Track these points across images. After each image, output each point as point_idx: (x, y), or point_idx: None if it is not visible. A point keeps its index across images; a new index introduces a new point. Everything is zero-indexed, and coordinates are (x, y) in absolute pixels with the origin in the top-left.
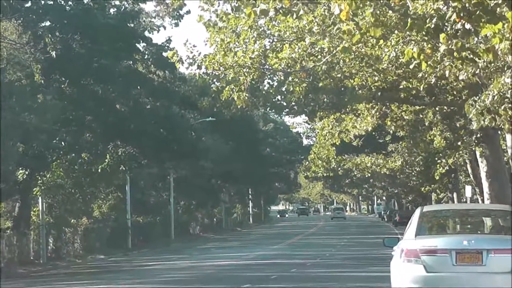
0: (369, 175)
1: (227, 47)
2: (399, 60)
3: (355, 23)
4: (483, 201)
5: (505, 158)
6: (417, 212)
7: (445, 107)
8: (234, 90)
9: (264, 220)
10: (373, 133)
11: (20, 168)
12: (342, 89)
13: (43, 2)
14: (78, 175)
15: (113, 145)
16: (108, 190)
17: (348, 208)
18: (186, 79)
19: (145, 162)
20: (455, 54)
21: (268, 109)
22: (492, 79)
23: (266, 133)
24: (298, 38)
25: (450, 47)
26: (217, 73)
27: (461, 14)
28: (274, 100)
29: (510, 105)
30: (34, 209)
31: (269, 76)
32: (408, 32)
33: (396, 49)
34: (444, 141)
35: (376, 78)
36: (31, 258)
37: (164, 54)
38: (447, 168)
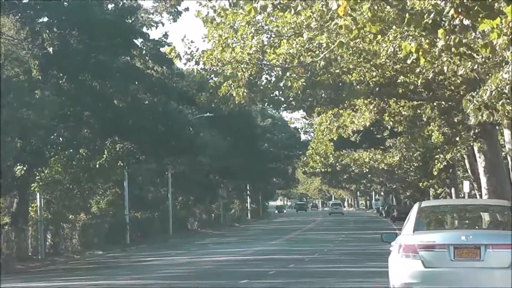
0: (367, 170)
1: (225, 43)
2: (397, 55)
3: (353, 19)
4: (481, 196)
5: (503, 153)
6: (415, 208)
7: (443, 103)
8: (232, 86)
9: (262, 216)
10: (371, 128)
11: (18, 164)
12: (340, 84)
13: None
14: (76, 170)
15: (111, 141)
16: (106, 186)
17: (346, 203)
18: (184, 74)
19: (143, 158)
20: (453, 49)
21: (266, 105)
22: (490, 75)
23: (264, 129)
24: (296, 33)
25: (448, 42)
26: (215, 69)
27: (459, 10)
28: (272, 95)
29: (508, 101)
30: (32, 205)
31: (267, 72)
32: (406, 28)
33: (394, 44)
34: (442, 137)
35: (374, 74)
36: (29, 254)
37: (162, 49)
38: (445, 163)
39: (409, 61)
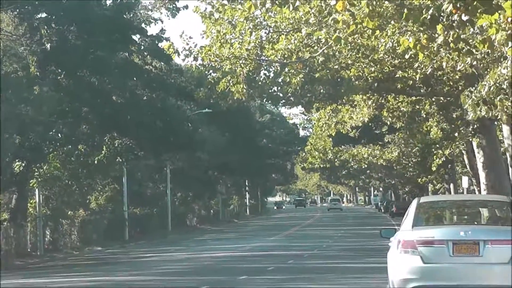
0: (366, 166)
1: (223, 39)
2: (396, 50)
3: (351, 14)
4: (479, 192)
5: (501, 148)
6: (414, 203)
7: (442, 98)
8: (231, 81)
9: (261, 212)
10: (370, 124)
11: (17, 160)
12: (339, 80)
13: None
14: (75, 166)
15: (110, 137)
16: (105, 182)
17: (345, 199)
18: (182, 70)
19: (142, 154)
20: (451, 45)
21: (264, 101)
22: (488, 70)
23: (262, 124)
24: (294, 29)
25: (446, 38)
26: (213, 64)
27: (458, 5)
28: (270, 91)
29: (506, 96)
30: (31, 201)
31: (265, 68)
32: (404, 23)
33: (393, 40)
34: (441, 132)
35: (373, 69)
36: (28, 250)
37: (160, 45)
38: (444, 159)
39: (407, 56)
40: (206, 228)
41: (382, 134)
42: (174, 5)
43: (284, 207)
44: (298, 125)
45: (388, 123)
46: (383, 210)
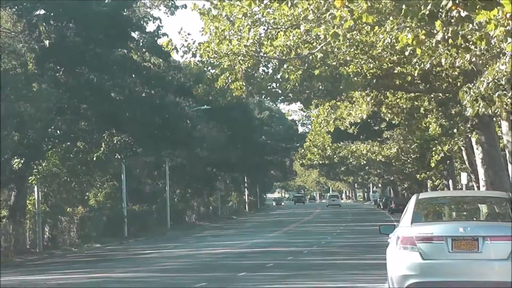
0: (365, 162)
1: (222, 35)
2: (394, 46)
3: (349, 10)
4: (478, 188)
5: (500, 144)
6: (413, 199)
7: (440, 94)
8: (229, 78)
9: (260, 208)
10: (369, 120)
11: (16, 157)
12: (337, 76)
13: None
14: (74, 163)
15: (108, 134)
16: (103, 178)
17: (344, 195)
18: (181, 67)
19: (141, 151)
20: (449, 41)
21: (263, 97)
22: (487, 66)
23: (261, 121)
24: (293, 25)
25: (445, 34)
26: (212, 61)
27: (457, 1)
28: (269, 87)
29: (504, 92)
30: (30, 198)
31: (264, 64)
32: (402, 19)
33: (391, 36)
34: (440, 128)
35: (371, 65)
36: (27, 247)
37: (159, 41)
38: (443, 155)
39: (406, 53)
40: (205, 225)
41: (381, 130)
42: (172, 2)
43: (283, 203)
44: (297, 122)
45: (387, 119)
46: (382, 207)
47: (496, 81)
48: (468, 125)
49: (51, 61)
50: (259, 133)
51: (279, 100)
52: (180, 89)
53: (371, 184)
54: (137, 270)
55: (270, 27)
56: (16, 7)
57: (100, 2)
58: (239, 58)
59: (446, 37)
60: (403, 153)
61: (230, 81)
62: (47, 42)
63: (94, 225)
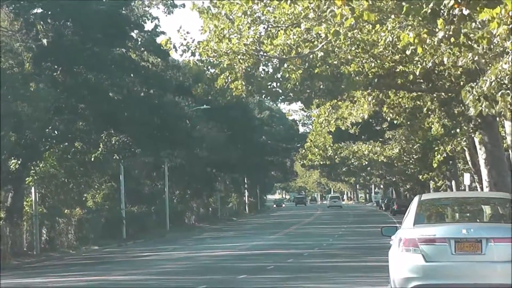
0: (366, 163)
1: (221, 34)
2: (396, 45)
3: (350, 8)
4: (482, 188)
5: (504, 145)
6: (415, 201)
7: (443, 94)
8: (229, 78)
9: (260, 210)
10: (370, 120)
11: (13, 158)
12: (338, 75)
13: None
14: (72, 164)
15: (107, 134)
16: (101, 179)
17: (345, 196)
18: (180, 66)
19: (139, 151)
20: (452, 39)
21: (263, 97)
22: (490, 65)
23: (261, 121)
24: (293, 24)
25: (447, 32)
26: (211, 60)
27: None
28: (269, 87)
29: (508, 92)
30: (27, 199)
31: (264, 63)
32: (404, 17)
33: (393, 34)
34: (442, 128)
35: (373, 64)
36: (25, 249)
37: (157, 40)
38: (445, 155)
39: (408, 52)
40: (205, 227)
41: (383, 130)
42: (171, 1)
43: (284, 205)
44: (297, 122)
45: (389, 119)
46: (384, 208)
47: (499, 80)
48: (471, 125)
49: (48, 60)
50: (259, 133)
51: (279, 100)
52: (179, 88)
53: (373, 185)
54: (136, 272)
55: (270, 26)
56: (13, 5)
57: (98, 1)
58: (239, 57)
59: (447, 35)
60: (405, 154)
61: (230, 80)
62: (45, 40)
63: (92, 227)
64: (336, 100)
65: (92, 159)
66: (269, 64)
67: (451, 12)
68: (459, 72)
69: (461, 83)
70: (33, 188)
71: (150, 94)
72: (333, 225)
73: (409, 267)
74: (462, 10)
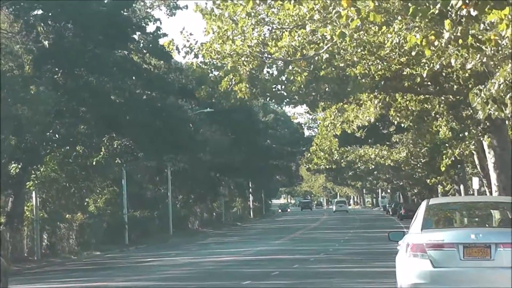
0: (373, 167)
1: (225, 35)
2: (403, 47)
3: (356, 9)
4: (491, 193)
5: None
6: (423, 205)
7: (451, 97)
8: (233, 80)
9: (265, 214)
10: (377, 123)
11: (13, 162)
12: (344, 78)
13: None
14: (73, 168)
15: (108, 138)
16: (103, 184)
17: (352, 201)
18: (183, 69)
19: (142, 155)
20: (460, 41)
21: (268, 99)
22: (499, 67)
23: (266, 124)
24: (298, 25)
25: (455, 34)
26: (214, 62)
27: (467, 1)
28: (274, 89)
29: None
30: (28, 204)
31: (268, 65)
32: (411, 19)
33: (399, 36)
34: (450, 132)
35: (379, 67)
36: (25, 255)
37: (160, 41)
38: (453, 159)
39: (413, 53)
40: (209, 232)
41: (390, 134)
42: (174, 3)
43: (289, 210)
44: (302, 125)
45: (396, 122)
46: (391, 212)
47: (508, 82)
48: (480, 128)
49: (49, 63)
50: (264, 137)
51: (284, 103)
52: (182, 91)
53: (379, 190)
54: (138, 278)
55: (275, 27)
56: (13, 7)
57: (99, 2)
58: (243, 59)
59: (454, 36)
60: (412, 158)
61: (233, 83)
62: (46, 42)
63: (93, 232)
64: (342, 103)
65: (94, 163)
66: (273, 66)
67: (458, 13)
68: (467, 75)
69: (469, 85)
70: (33, 192)
71: (153, 97)
72: (339, 230)
73: (417, 273)
74: (470, 11)
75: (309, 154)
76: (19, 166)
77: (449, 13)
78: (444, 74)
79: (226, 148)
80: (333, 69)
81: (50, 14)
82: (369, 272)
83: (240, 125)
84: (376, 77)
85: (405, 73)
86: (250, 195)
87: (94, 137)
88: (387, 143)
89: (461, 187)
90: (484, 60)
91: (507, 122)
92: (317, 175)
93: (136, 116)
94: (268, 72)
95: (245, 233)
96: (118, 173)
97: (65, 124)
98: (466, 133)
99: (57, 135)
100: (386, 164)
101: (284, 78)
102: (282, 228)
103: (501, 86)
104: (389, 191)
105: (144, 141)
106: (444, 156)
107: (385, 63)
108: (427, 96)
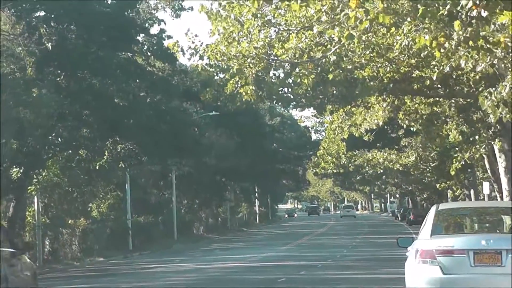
0: (382, 171)
1: (230, 37)
2: (412, 49)
3: (365, 10)
4: (502, 198)
5: None
6: (433, 210)
7: (461, 99)
8: (239, 83)
9: (272, 220)
10: (385, 127)
11: (14, 166)
12: (352, 80)
13: None
14: (76, 173)
15: (112, 141)
16: (107, 188)
17: (360, 206)
18: (188, 71)
19: (146, 159)
20: (470, 43)
21: (274, 102)
22: (510, 70)
23: (272, 127)
24: (305, 27)
25: (465, 35)
26: (220, 64)
27: (477, 1)
28: (280, 92)
29: None
30: (30, 209)
31: (275, 67)
32: (420, 20)
33: (408, 38)
34: (460, 136)
35: (388, 69)
36: None
37: (164, 43)
38: (463, 163)
39: (423, 55)
40: (214, 237)
41: (399, 137)
42: (179, 4)
43: (296, 215)
44: (310, 128)
45: (405, 126)
46: (400, 218)
47: None
48: (490, 132)
49: (51, 65)
50: (270, 140)
51: (291, 106)
52: (186, 94)
53: (388, 194)
54: (142, 285)
55: (281, 29)
56: (15, 8)
57: (102, 3)
58: (249, 61)
59: (463, 38)
60: (422, 162)
61: (239, 85)
62: (49, 44)
63: (96, 237)
64: (350, 106)
65: (97, 167)
66: (280, 68)
67: (468, 14)
68: (477, 77)
69: (480, 88)
70: (35, 197)
71: (157, 100)
72: (347, 236)
73: (426, 280)
74: (481, 12)
75: (316, 158)
76: (21, 171)
77: (459, 14)
78: (454, 76)
79: (232, 152)
80: (340, 71)
81: (52, 15)
82: (378, 279)
83: (246, 128)
84: (385, 79)
85: (414, 75)
86: (256, 200)
87: (97, 140)
88: (396, 147)
89: (471, 192)
90: (495, 62)
91: None
92: (324, 179)
93: (140, 119)
94: (274, 74)
95: (251, 238)
96: (122, 178)
97: (67, 128)
98: (477, 137)
99: (59, 139)
100: (395, 168)
101: (290, 81)
102: (288, 234)
103: None
104: (397, 196)
105: (148, 145)
106: (454, 160)
107: (394, 65)
108: (436, 99)
